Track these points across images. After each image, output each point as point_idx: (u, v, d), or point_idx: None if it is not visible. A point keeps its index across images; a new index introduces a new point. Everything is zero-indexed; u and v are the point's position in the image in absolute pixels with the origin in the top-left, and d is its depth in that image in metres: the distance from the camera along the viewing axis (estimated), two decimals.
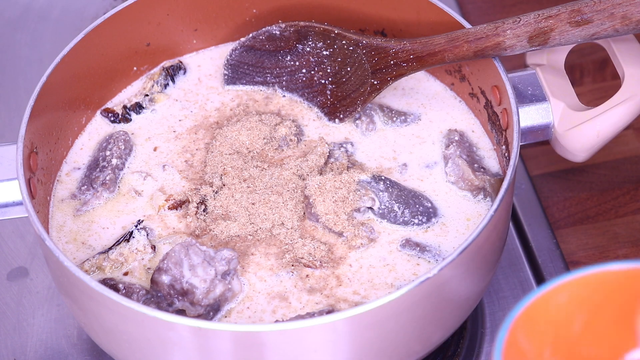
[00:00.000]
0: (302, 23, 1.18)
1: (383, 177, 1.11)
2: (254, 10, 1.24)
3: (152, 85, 1.23)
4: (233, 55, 1.22)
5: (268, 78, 1.22)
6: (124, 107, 1.21)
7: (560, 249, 1.27)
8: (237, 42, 1.22)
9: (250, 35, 1.21)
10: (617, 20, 1.05)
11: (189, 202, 1.12)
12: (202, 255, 1.04)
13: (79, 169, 1.16)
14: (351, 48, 1.16)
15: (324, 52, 1.18)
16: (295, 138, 1.17)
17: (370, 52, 1.15)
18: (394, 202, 1.10)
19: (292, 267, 1.07)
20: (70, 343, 1.21)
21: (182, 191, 1.13)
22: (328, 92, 1.20)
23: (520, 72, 1.15)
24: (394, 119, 1.19)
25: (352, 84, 1.17)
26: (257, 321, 1.03)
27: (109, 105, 1.22)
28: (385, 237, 1.09)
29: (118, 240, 1.09)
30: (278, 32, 1.19)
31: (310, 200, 1.09)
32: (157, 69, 1.24)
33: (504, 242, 1.08)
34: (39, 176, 1.09)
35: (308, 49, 1.19)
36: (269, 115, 1.19)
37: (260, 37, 1.20)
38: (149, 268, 1.07)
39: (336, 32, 1.16)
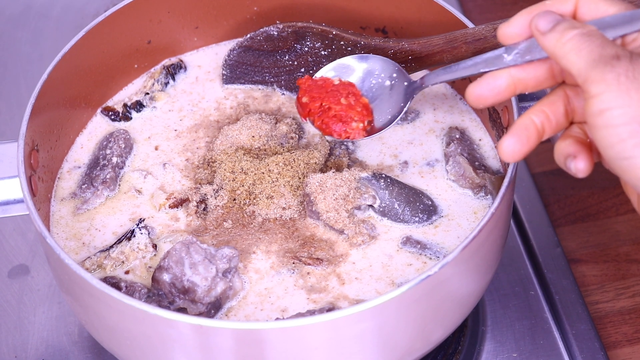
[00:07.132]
0: (299, 24, 1.18)
1: (384, 175, 1.11)
2: (255, 8, 1.24)
3: (153, 84, 1.22)
4: (231, 56, 1.22)
5: (267, 77, 1.22)
6: (125, 105, 1.21)
7: (561, 247, 1.27)
8: (235, 42, 1.22)
9: (248, 35, 1.20)
10: None
11: (190, 200, 1.12)
12: (203, 253, 1.04)
13: (79, 167, 1.16)
14: (350, 49, 1.16)
15: (322, 52, 1.18)
16: (296, 135, 1.17)
17: (368, 52, 1.15)
18: (394, 199, 1.10)
19: (293, 265, 1.07)
20: (71, 341, 1.21)
21: (182, 190, 1.13)
22: None
23: None
24: None
25: None
26: (258, 319, 1.03)
27: (109, 103, 1.22)
28: (385, 235, 1.09)
29: (119, 239, 1.09)
30: (276, 33, 1.19)
31: (311, 198, 1.09)
32: (157, 67, 1.24)
33: (505, 240, 1.08)
34: (39, 174, 1.09)
35: (306, 49, 1.19)
36: (269, 113, 1.19)
37: (258, 38, 1.20)
38: (150, 266, 1.07)
39: (334, 32, 1.16)
